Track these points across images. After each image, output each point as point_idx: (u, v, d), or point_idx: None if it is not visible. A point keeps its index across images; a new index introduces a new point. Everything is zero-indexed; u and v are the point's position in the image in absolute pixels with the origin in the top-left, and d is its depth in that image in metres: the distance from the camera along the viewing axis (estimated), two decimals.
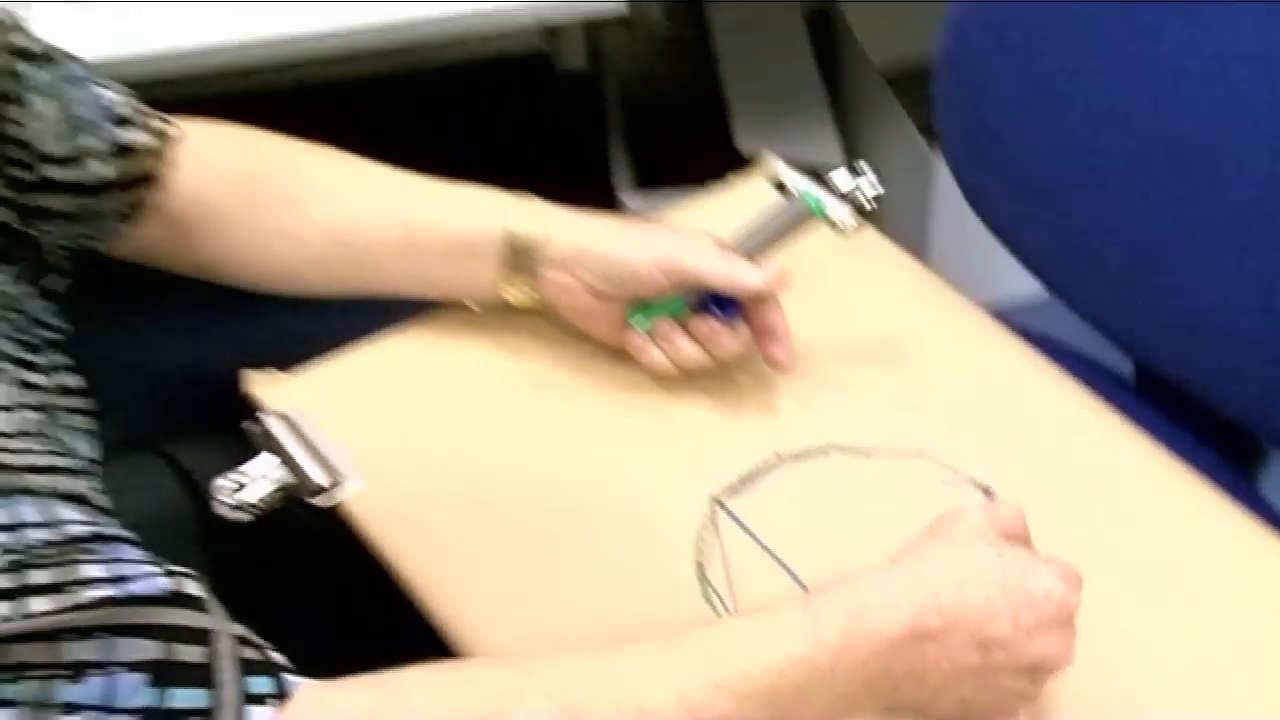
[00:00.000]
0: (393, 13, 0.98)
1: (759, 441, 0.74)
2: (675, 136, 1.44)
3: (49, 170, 0.73)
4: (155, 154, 0.78)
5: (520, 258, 0.78)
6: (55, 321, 0.72)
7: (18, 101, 0.71)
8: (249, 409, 0.79)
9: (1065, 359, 0.80)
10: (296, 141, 0.84)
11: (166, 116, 0.80)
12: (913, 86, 0.92)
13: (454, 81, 1.04)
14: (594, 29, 1.05)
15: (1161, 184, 0.79)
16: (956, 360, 0.79)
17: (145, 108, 0.80)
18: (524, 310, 0.80)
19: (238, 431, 0.77)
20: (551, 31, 1.03)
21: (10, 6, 0.72)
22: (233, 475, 0.72)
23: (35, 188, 0.73)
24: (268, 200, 0.81)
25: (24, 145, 0.71)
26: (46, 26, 0.76)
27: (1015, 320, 0.83)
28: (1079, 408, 0.76)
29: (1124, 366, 0.92)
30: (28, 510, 0.55)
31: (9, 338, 0.67)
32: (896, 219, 1.41)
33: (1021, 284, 0.91)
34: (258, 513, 0.72)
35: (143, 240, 0.80)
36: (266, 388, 0.80)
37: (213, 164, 0.81)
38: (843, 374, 0.78)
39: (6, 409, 0.63)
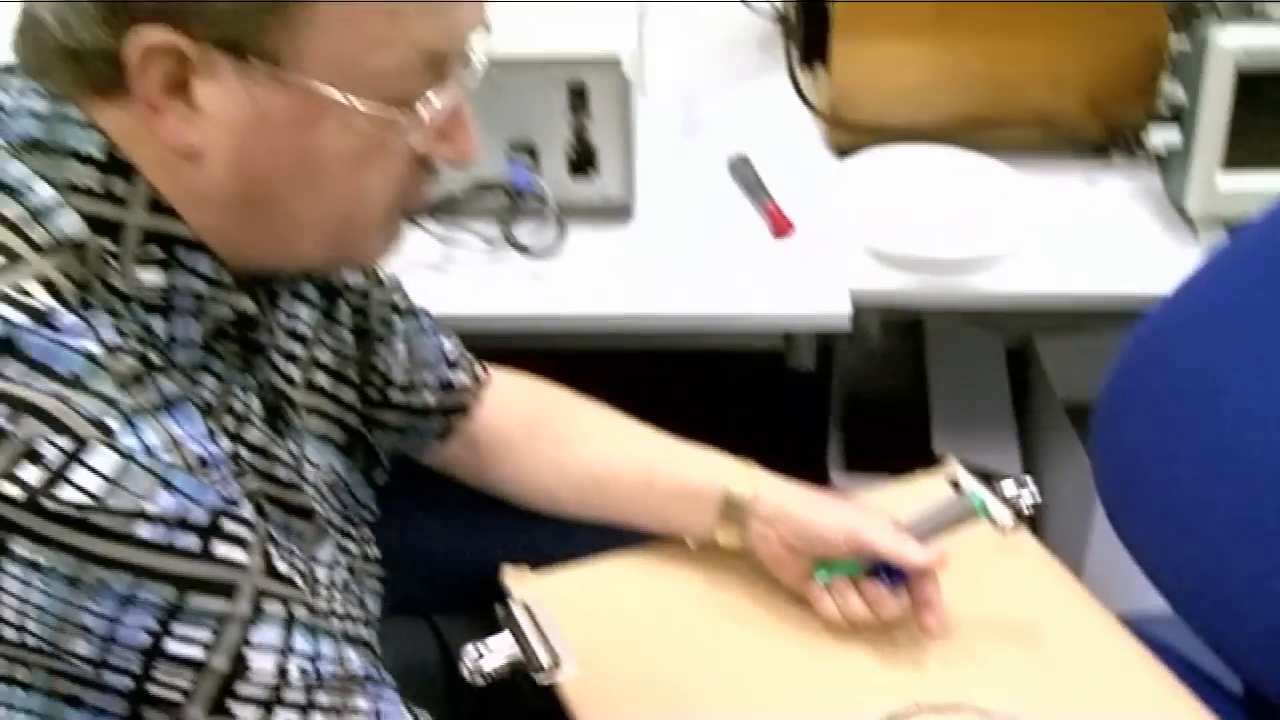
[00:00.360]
0: (669, 306, 1.22)
1: (904, 690, 0.89)
2: (883, 432, 1.62)
3: (393, 394, 0.98)
4: (471, 392, 1.02)
5: (734, 510, 0.97)
6: (371, 505, 0.94)
7: (385, 342, 0.96)
8: (500, 594, 0.99)
9: (1183, 670, 0.93)
10: (571, 392, 1.07)
11: (483, 363, 1.05)
12: (1087, 418, 1.09)
13: (704, 364, 1.27)
14: (824, 338, 1.26)
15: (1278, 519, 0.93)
16: (1079, 653, 0.93)
17: (469, 355, 1.05)
18: (730, 551, 0.98)
19: (488, 611, 0.93)
20: (788, 337, 1.25)
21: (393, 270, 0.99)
22: (477, 645, 0.87)
23: (379, 405, 0.97)
24: (545, 437, 1.04)
25: (380, 373, 0.96)
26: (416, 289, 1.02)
27: (1145, 630, 0.96)
28: (1181, 713, 0.89)
29: (1236, 684, 1.03)
30: (326, 648, 0.71)
31: (338, 512, 0.89)
32: (1060, 528, 1.55)
33: (1160, 598, 1.05)
34: (491, 679, 0.87)
35: (447, 455, 1.03)
36: (517, 580, 1.00)
37: (509, 404, 1.04)
38: (981, 647, 0.93)
39: (329, 566, 0.84)
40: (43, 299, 0.64)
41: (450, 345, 1.03)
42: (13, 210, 0.67)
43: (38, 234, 0.67)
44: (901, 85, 1.34)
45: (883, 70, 1.34)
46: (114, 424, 0.63)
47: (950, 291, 1.24)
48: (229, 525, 0.66)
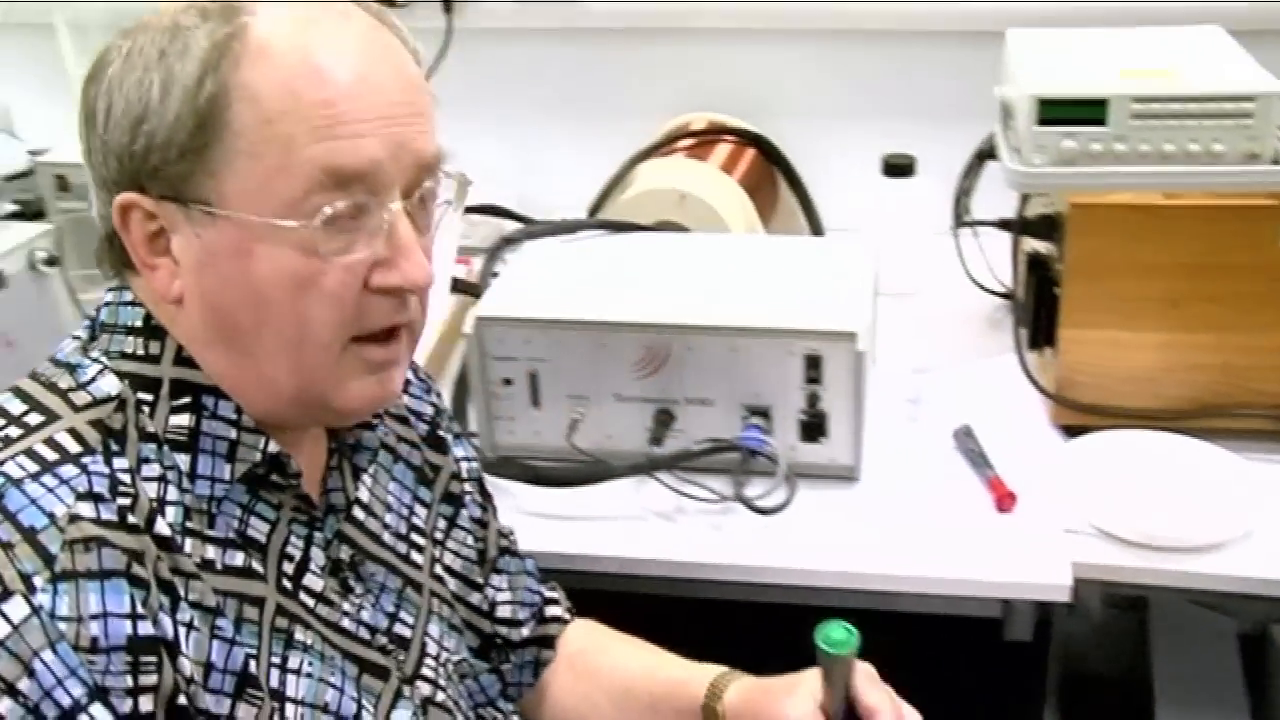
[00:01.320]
0: (890, 567, 1.26)
1: None
2: (1101, 710, 1.58)
3: (497, 628, 1.11)
4: (557, 627, 1.15)
5: (711, 714, 1.04)
6: (501, 705, 1.09)
7: (497, 571, 1.12)
8: None
9: None
10: (619, 634, 1.17)
11: (570, 607, 1.18)
12: None
13: (919, 626, 1.29)
14: (1043, 609, 1.27)
15: None
16: None
17: (561, 594, 1.19)
18: None
19: None
20: (1006, 606, 1.27)
21: None
22: None
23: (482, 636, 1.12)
24: (581, 667, 1.15)
25: (488, 602, 1.10)
26: None
27: None
28: None
29: None
30: None
31: (465, 699, 1.03)
32: None
33: None
34: None
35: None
36: None
37: (569, 641, 1.16)
38: None
39: None
40: (68, 448, 0.79)
41: (546, 591, 1.18)
42: (65, 382, 0.83)
43: (79, 396, 0.82)
44: (1129, 370, 1.38)
45: (1110, 355, 1.38)
46: (39, 582, 0.74)
47: (1177, 572, 1.24)
48: (91, 710, 0.73)
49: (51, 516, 0.76)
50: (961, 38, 1.82)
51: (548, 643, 1.15)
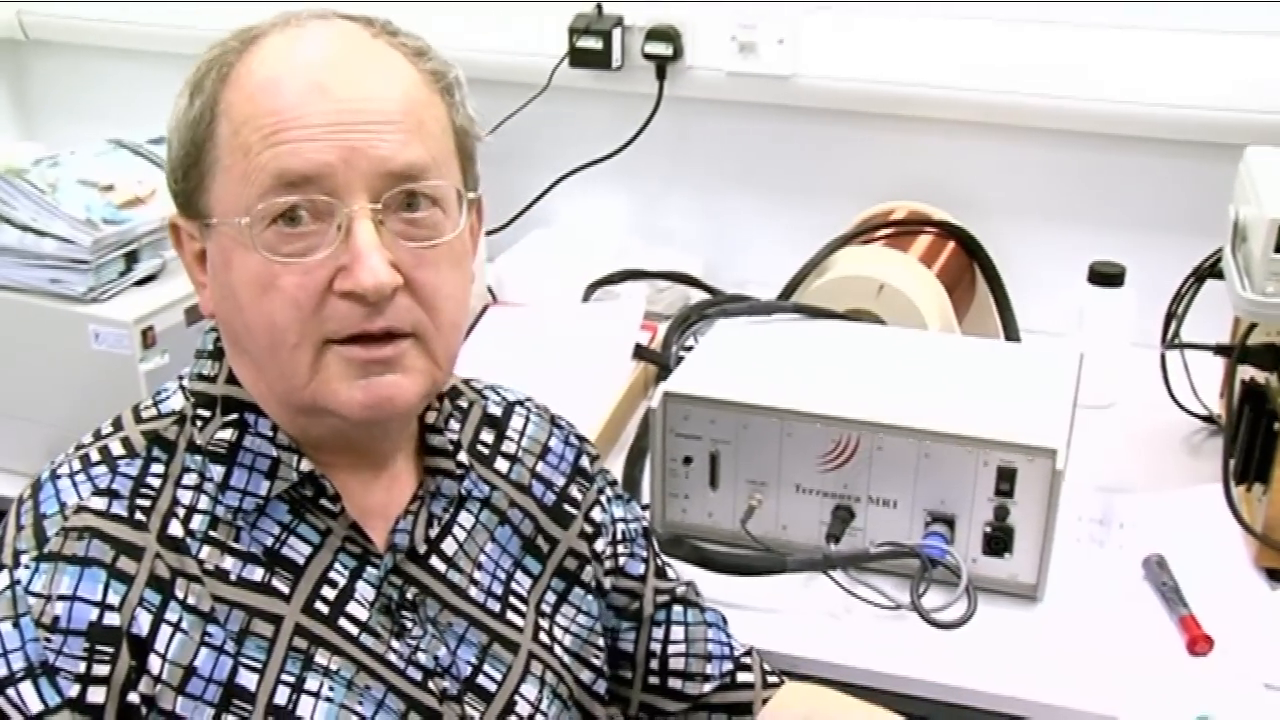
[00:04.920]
0: (1068, 699, 1.20)
1: None
2: None
3: (671, 681, 1.10)
4: (757, 692, 1.11)
5: None
6: None
7: (662, 625, 1.11)
8: None
9: None
10: (854, 701, 1.12)
11: (778, 673, 1.13)
12: None
13: None
14: None
15: None
16: None
17: (761, 659, 1.13)
18: None
19: None
20: None
21: None
22: None
23: (655, 690, 1.11)
24: None
25: (657, 656, 1.10)
26: None
27: None
28: None
29: None
30: None
31: None
32: None
33: None
34: None
35: None
36: None
37: (784, 711, 1.11)
38: None
39: None
40: (113, 452, 0.87)
41: (738, 645, 1.14)
42: (147, 402, 0.93)
43: (147, 412, 0.91)
44: None
45: None
46: (25, 559, 0.82)
47: None
48: (20, 687, 0.79)
49: (63, 505, 0.84)
50: (1187, 147, 1.76)
51: (741, 710, 1.11)
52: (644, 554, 1.13)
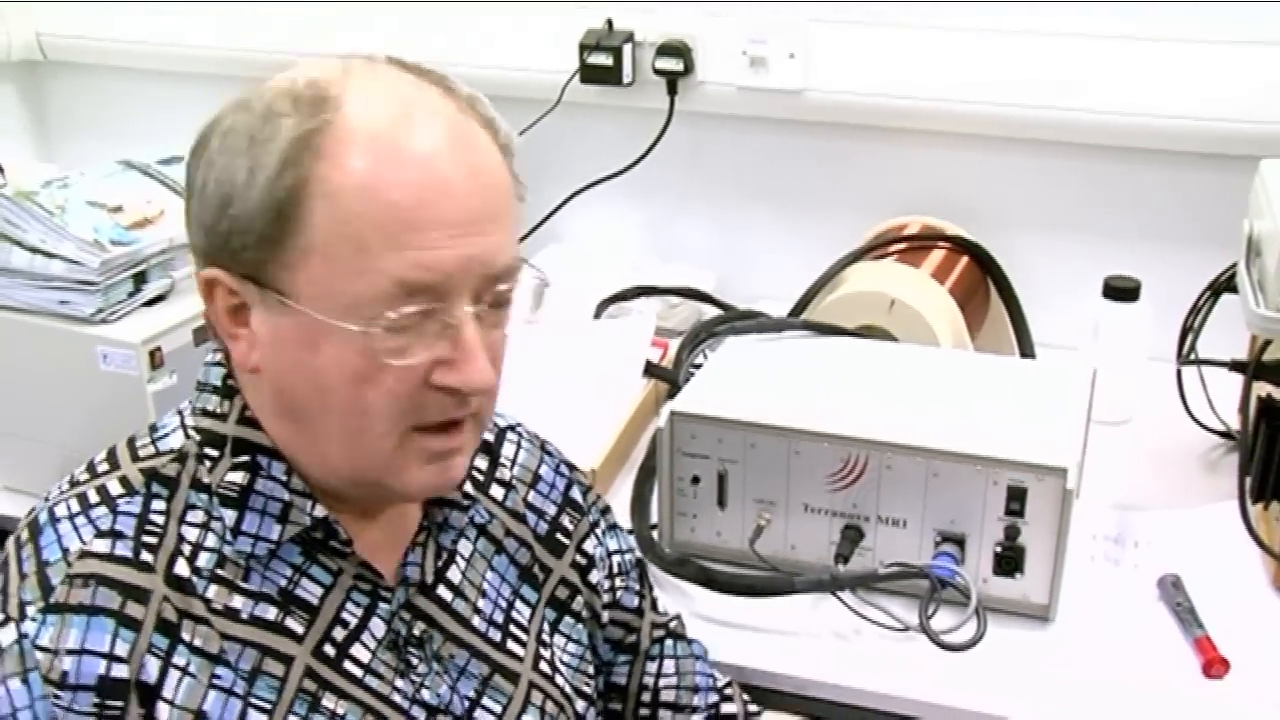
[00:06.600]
0: None
1: None
2: None
3: (662, 713, 1.11)
4: None
5: None
6: None
7: (656, 660, 1.12)
8: None
9: None
10: None
11: (757, 704, 1.15)
12: None
13: None
14: None
15: None
16: None
17: (737, 692, 1.15)
18: None
19: None
20: None
21: None
22: None
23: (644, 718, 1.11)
24: None
25: (650, 690, 1.11)
26: None
27: None
28: None
29: None
30: None
31: None
32: None
33: None
34: None
35: None
36: None
37: None
38: None
39: None
40: (111, 492, 0.85)
41: (720, 677, 1.15)
42: (143, 438, 0.90)
43: (145, 449, 0.89)
44: None
45: None
46: (31, 610, 0.80)
47: None
48: None
49: (65, 551, 0.82)
50: (1202, 159, 1.74)
51: None
52: (638, 587, 1.13)
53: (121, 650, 0.80)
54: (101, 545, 0.83)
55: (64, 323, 1.40)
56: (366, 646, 0.90)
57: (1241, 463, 1.36)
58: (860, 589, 1.29)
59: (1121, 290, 1.63)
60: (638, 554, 1.16)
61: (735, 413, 1.32)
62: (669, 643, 1.14)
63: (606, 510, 1.14)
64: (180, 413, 0.92)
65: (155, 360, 1.38)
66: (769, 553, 1.33)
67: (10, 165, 1.77)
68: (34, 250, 1.39)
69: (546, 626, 1.04)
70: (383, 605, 0.92)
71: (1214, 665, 1.21)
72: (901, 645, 1.26)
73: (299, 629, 0.88)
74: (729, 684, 1.17)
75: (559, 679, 1.02)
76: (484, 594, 0.99)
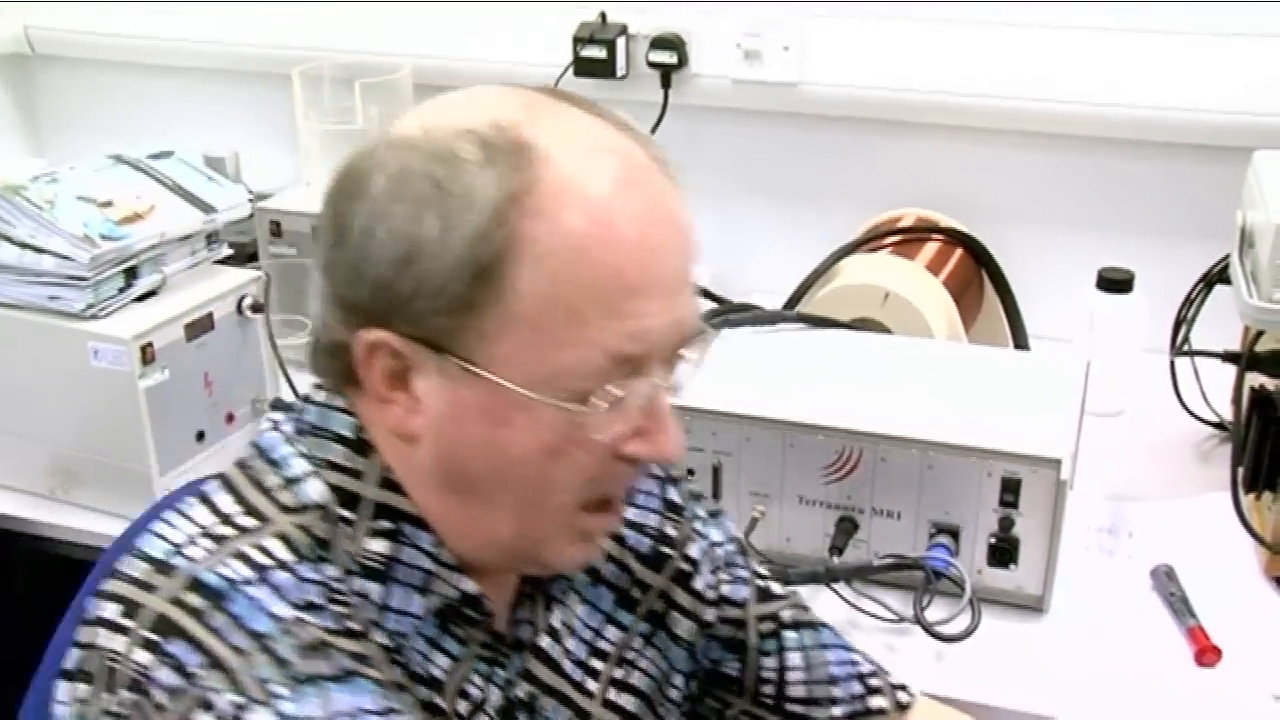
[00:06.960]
0: (1074, 712, 1.18)
1: None
2: None
3: (791, 706, 1.02)
4: (890, 716, 1.04)
5: None
6: None
7: (773, 655, 1.02)
8: None
9: None
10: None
11: (908, 687, 1.06)
12: None
13: None
14: None
15: None
16: None
17: (891, 677, 1.06)
18: None
19: None
20: None
21: None
22: None
23: (772, 709, 1.02)
24: None
25: (772, 683, 1.02)
26: None
27: None
28: None
29: None
30: None
31: None
32: None
33: None
34: None
35: None
36: None
37: None
38: None
39: None
40: (278, 555, 0.75)
41: (865, 665, 1.06)
42: (271, 480, 0.79)
43: (286, 497, 0.79)
44: None
45: None
46: (281, 689, 0.70)
47: None
48: None
49: (276, 619, 0.73)
50: (1196, 151, 1.74)
51: None
52: (745, 574, 1.04)
53: (389, 704, 0.75)
54: (312, 616, 0.75)
55: (54, 318, 1.39)
56: (488, 717, 0.85)
57: (1234, 453, 1.37)
58: (855, 581, 1.29)
59: (1115, 282, 1.63)
60: (738, 537, 1.07)
61: (730, 405, 1.32)
62: (788, 635, 1.03)
63: (699, 497, 1.05)
64: (294, 445, 0.81)
65: (147, 356, 1.38)
66: (764, 545, 1.33)
67: None
68: (23, 245, 1.39)
69: (638, 641, 0.96)
70: (499, 671, 0.86)
71: (1206, 654, 1.22)
72: (896, 636, 1.26)
73: (444, 704, 0.82)
74: (874, 673, 1.06)
75: (629, 702, 0.95)
76: (573, 631, 0.92)
